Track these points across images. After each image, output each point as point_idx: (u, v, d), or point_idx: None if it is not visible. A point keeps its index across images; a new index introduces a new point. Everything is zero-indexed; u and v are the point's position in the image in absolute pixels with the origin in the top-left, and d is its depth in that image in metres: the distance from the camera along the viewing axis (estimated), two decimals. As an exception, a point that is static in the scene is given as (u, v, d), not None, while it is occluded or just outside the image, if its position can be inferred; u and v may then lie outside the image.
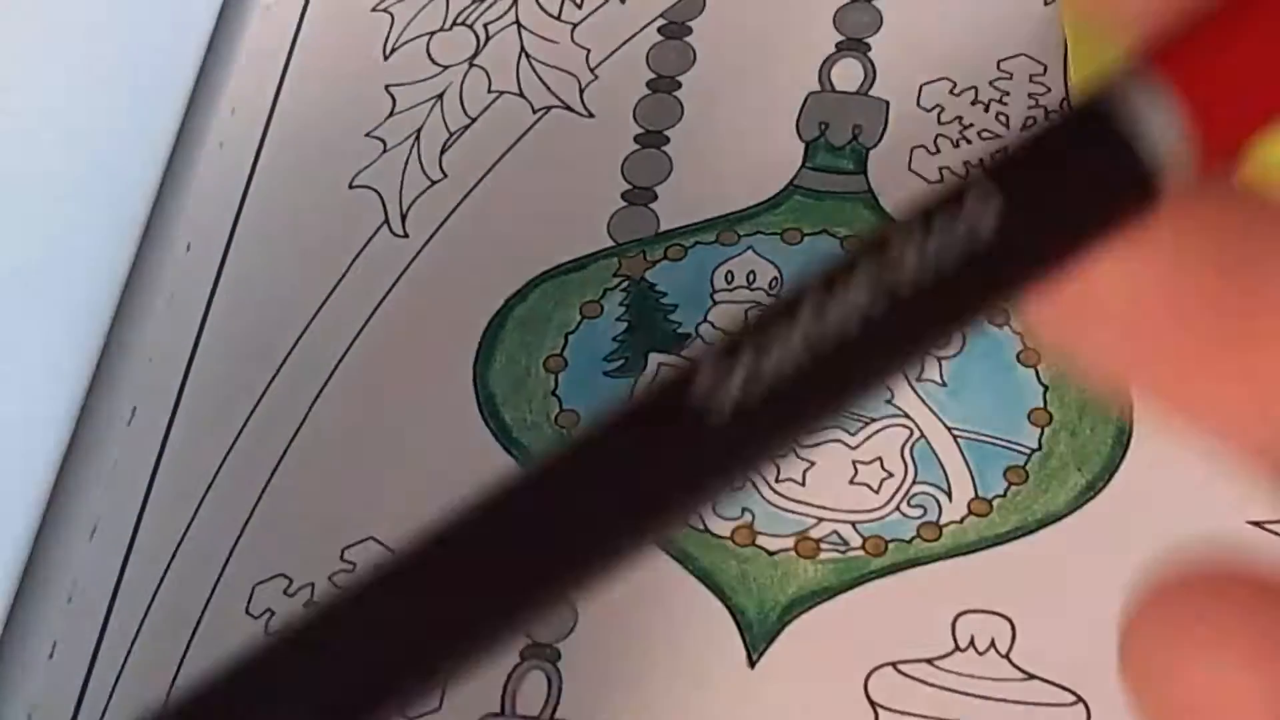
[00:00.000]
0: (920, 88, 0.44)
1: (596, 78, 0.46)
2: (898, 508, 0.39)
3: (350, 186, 0.45)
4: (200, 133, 0.48)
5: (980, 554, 0.39)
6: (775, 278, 0.42)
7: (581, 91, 0.45)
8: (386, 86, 0.47)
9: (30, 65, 0.43)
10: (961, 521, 0.39)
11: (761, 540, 0.39)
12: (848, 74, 0.44)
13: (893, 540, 0.39)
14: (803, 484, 0.40)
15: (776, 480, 0.40)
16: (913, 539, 0.39)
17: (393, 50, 0.47)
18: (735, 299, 0.42)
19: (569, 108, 0.45)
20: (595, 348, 0.42)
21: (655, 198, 0.43)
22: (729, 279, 0.42)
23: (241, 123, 0.47)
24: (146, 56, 0.46)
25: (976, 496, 0.39)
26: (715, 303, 0.42)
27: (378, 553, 0.40)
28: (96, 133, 0.44)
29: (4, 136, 0.42)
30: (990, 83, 0.44)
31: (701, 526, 0.39)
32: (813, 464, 0.40)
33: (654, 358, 0.41)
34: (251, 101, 0.48)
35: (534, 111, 0.45)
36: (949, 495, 0.39)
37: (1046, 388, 0.40)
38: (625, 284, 0.42)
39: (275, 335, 0.44)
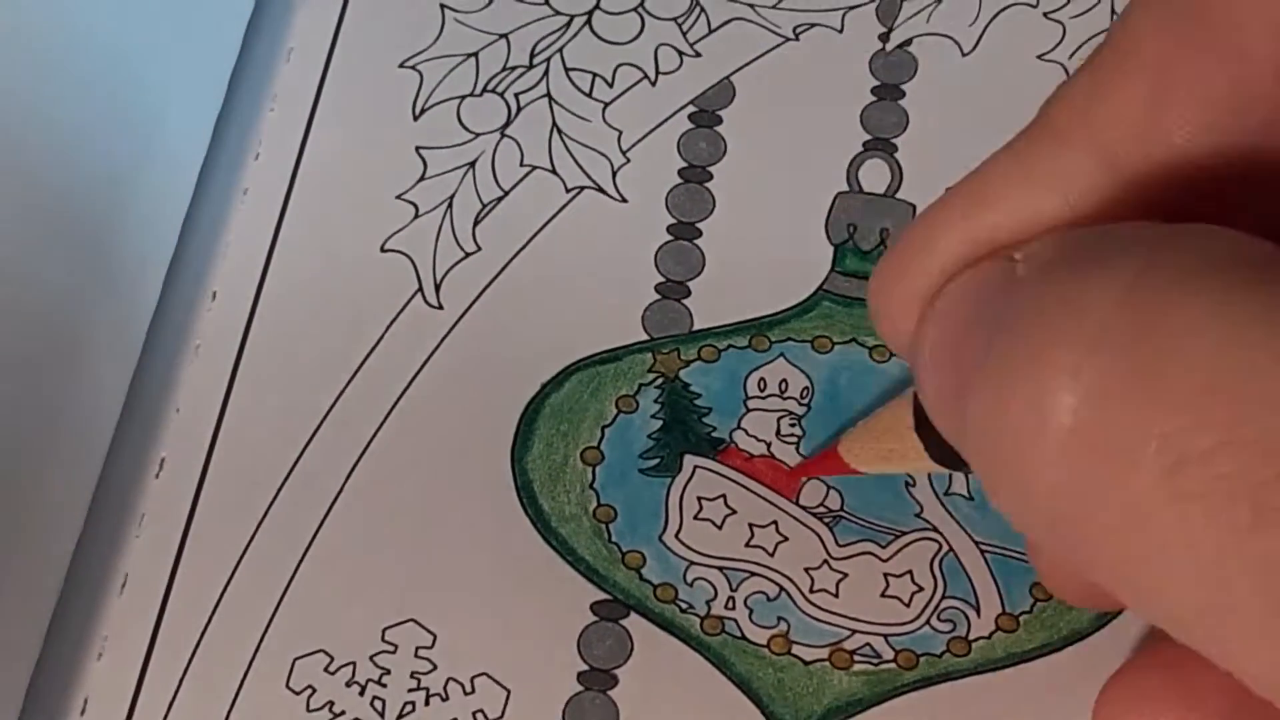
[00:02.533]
0: (946, 191, 0.45)
1: (629, 161, 0.46)
2: (928, 621, 0.41)
3: (382, 250, 0.45)
4: (224, 178, 0.48)
5: (1008, 670, 0.40)
6: (806, 387, 0.43)
7: (614, 174, 0.46)
8: (417, 148, 0.47)
9: (50, 109, 0.42)
10: (990, 637, 0.40)
11: (797, 650, 0.41)
12: (875, 175, 0.45)
13: (924, 654, 0.40)
14: (836, 595, 0.41)
15: (811, 591, 0.41)
16: (943, 653, 0.40)
17: (422, 111, 0.47)
18: (767, 407, 0.43)
19: (601, 190, 0.46)
20: (631, 443, 0.43)
21: (689, 293, 0.44)
22: (761, 386, 0.43)
23: (267, 168, 0.48)
24: (169, 99, 0.45)
25: (1004, 612, 0.41)
26: (748, 409, 0.43)
27: (419, 635, 0.41)
28: (119, 176, 0.44)
29: (27, 171, 0.41)
30: (1012, 188, 0.45)
31: (738, 634, 0.41)
32: (845, 575, 0.41)
33: (689, 459, 0.42)
34: (278, 147, 0.48)
35: (566, 190, 0.46)
36: (977, 610, 0.41)
37: (1068, 504, 0.41)
38: (660, 381, 0.43)
39: (310, 393, 0.44)
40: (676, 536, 0.42)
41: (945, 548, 0.41)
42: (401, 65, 0.48)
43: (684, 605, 0.41)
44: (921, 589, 0.41)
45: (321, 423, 0.44)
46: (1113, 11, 0.48)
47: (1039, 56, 0.47)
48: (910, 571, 0.41)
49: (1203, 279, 0.22)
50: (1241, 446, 0.20)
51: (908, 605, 0.41)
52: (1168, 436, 0.21)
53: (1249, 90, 0.26)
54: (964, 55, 0.47)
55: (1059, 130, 0.28)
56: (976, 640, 0.41)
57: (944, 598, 0.41)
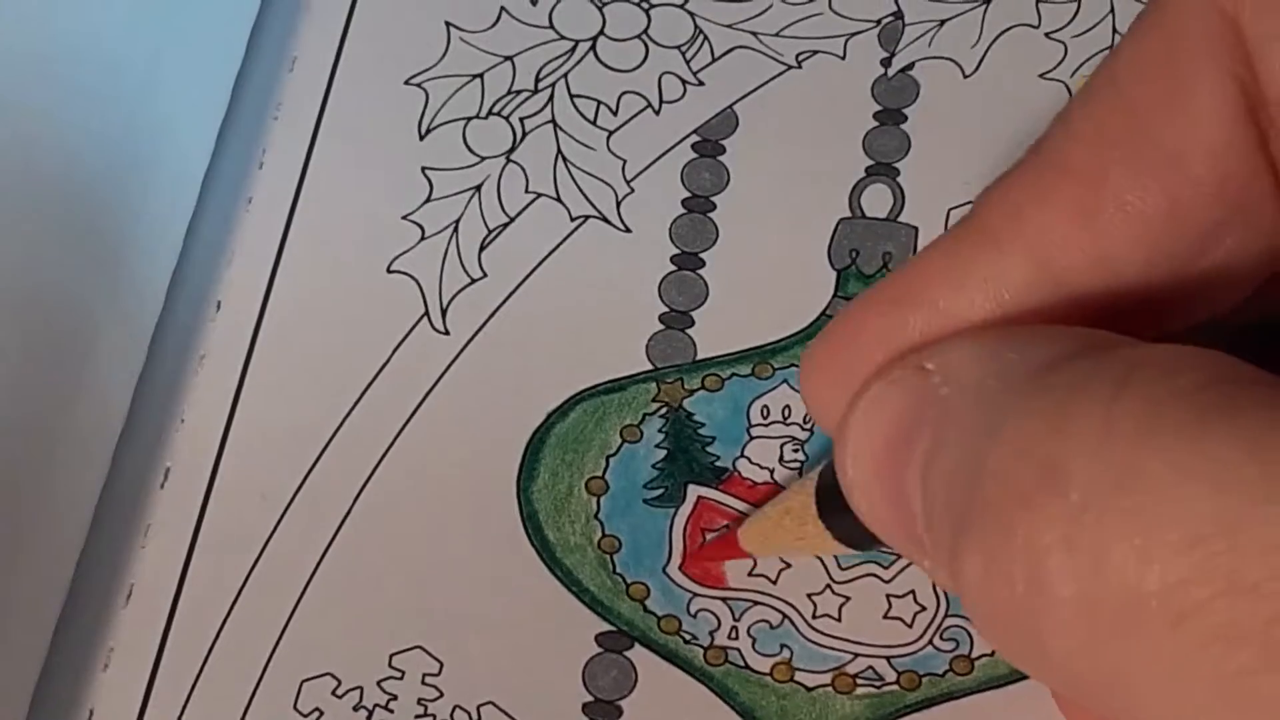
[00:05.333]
0: (948, 213, 0.45)
1: (633, 191, 0.47)
2: (931, 641, 0.41)
3: (389, 270, 0.46)
4: (229, 187, 0.48)
5: (1013, 686, 0.41)
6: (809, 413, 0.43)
7: (618, 204, 0.46)
8: (423, 169, 0.47)
9: (52, 117, 0.43)
10: (993, 654, 0.41)
11: (800, 676, 0.41)
12: (877, 199, 0.46)
13: (926, 674, 0.41)
14: (839, 620, 0.41)
15: (814, 617, 0.41)
16: (946, 672, 0.41)
17: (428, 130, 0.48)
18: (771, 434, 0.43)
19: (606, 219, 0.46)
20: (635, 474, 0.43)
21: (692, 323, 0.45)
22: (765, 414, 0.43)
23: (271, 178, 0.48)
24: (173, 107, 0.46)
25: (1006, 631, 0.41)
26: (751, 438, 0.43)
27: (426, 662, 0.42)
28: (122, 184, 0.44)
29: (33, 181, 0.42)
30: (1014, 209, 0.45)
31: (742, 663, 0.41)
32: (848, 599, 0.42)
33: (693, 489, 0.43)
34: (282, 156, 0.48)
35: (571, 219, 0.46)
36: (979, 630, 0.41)
37: (1067, 521, 0.42)
38: (664, 411, 0.44)
39: (316, 411, 0.45)
40: (680, 568, 0.42)
41: (946, 569, 0.42)
42: (407, 82, 0.49)
43: (688, 636, 0.42)
44: (924, 608, 0.42)
45: (328, 445, 0.44)
46: (1114, 30, 0.48)
47: (1041, 75, 0.47)
48: (913, 591, 0.42)
49: (1179, 413, 0.22)
50: (1239, 594, 0.20)
51: (910, 626, 0.42)
52: (1166, 592, 0.21)
53: (1186, 210, 0.26)
54: (966, 77, 0.47)
55: (992, 231, 0.28)
56: (979, 658, 0.41)
57: (946, 616, 0.41)
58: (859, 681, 0.41)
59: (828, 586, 0.42)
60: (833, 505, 0.35)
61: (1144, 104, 0.26)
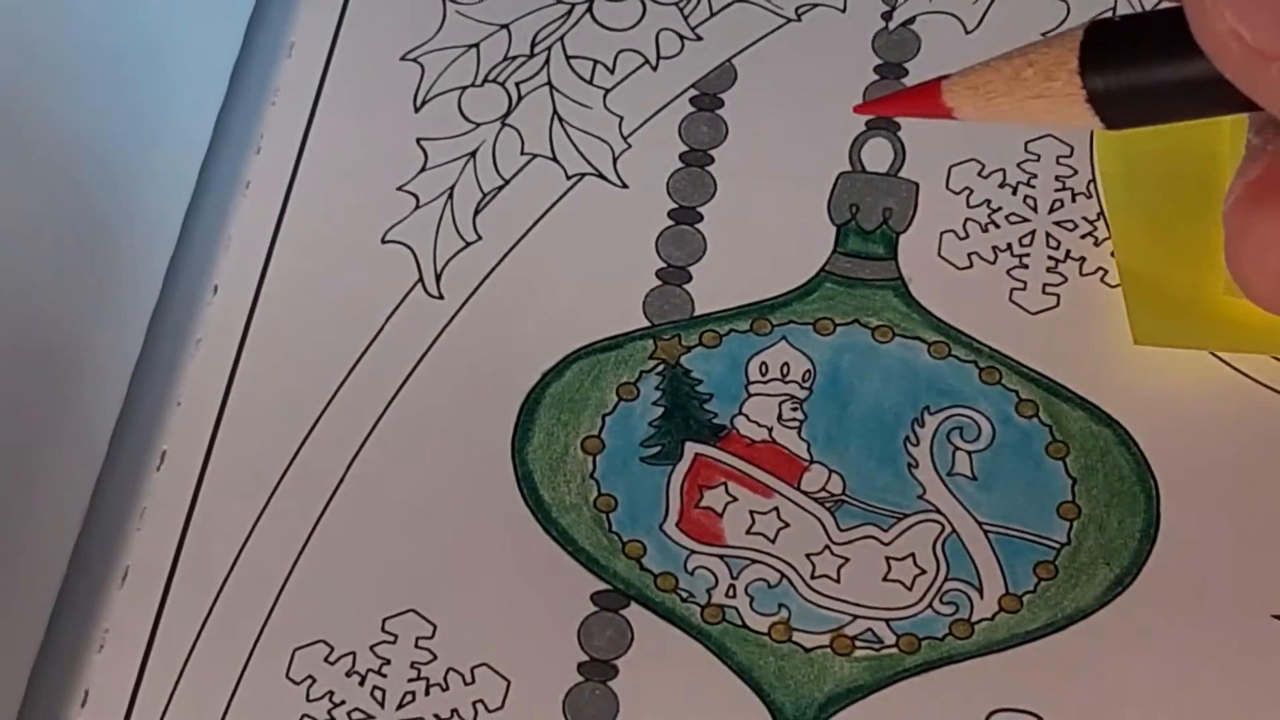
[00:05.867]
0: (949, 169, 0.45)
1: (629, 146, 0.46)
2: (930, 605, 0.40)
3: (383, 241, 0.45)
4: (227, 171, 0.48)
5: (1012, 651, 0.40)
6: (808, 370, 0.42)
7: (615, 160, 0.46)
8: (418, 140, 0.47)
9: (53, 103, 0.42)
10: (993, 618, 0.40)
11: (798, 637, 0.40)
12: (878, 154, 0.45)
13: (926, 638, 0.40)
14: (838, 581, 0.41)
15: (812, 577, 0.41)
16: (945, 636, 0.40)
17: (423, 103, 0.47)
18: (769, 391, 0.42)
19: (602, 176, 0.46)
20: (632, 432, 0.43)
21: (690, 278, 0.44)
22: (763, 370, 0.43)
23: (269, 162, 0.48)
24: (172, 93, 0.46)
25: (1007, 592, 0.40)
26: (750, 394, 0.42)
27: (419, 626, 0.41)
28: (121, 171, 0.44)
29: (30, 166, 0.41)
30: (1018, 165, 0.45)
31: (739, 622, 0.40)
32: (847, 560, 0.41)
33: (690, 446, 0.42)
34: (279, 141, 0.48)
35: (568, 177, 0.46)
36: (980, 592, 0.40)
37: (1074, 480, 0.41)
38: (661, 368, 0.43)
39: (310, 386, 0.45)
40: (677, 525, 0.41)
41: (948, 529, 0.41)
42: (403, 58, 0.48)
43: (684, 594, 0.41)
44: (924, 572, 0.41)
45: (322, 414, 0.44)
46: (1118, -12, 0.47)
47: (1043, 34, 0.46)
48: (913, 554, 0.41)
49: None
50: None
51: (910, 589, 0.41)
52: None
53: None
54: (968, 33, 0.47)
55: None
56: (979, 622, 0.40)
57: (946, 580, 0.41)
58: (858, 644, 0.40)
59: (826, 547, 0.41)
60: (1104, 60, 0.27)
61: None
